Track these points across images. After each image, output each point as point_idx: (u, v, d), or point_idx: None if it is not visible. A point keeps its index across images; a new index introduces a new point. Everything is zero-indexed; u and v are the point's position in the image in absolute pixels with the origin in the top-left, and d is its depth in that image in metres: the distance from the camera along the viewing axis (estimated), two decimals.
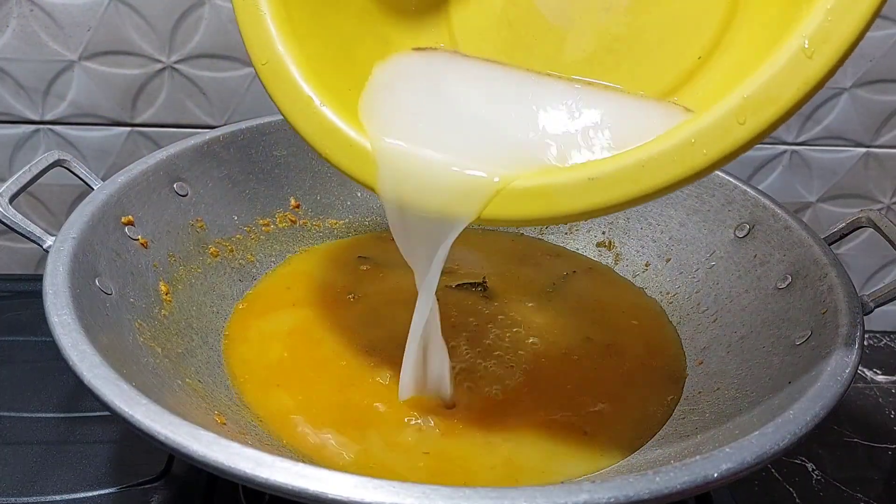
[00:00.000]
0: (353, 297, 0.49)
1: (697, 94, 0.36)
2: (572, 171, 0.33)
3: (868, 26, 0.28)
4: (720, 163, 0.30)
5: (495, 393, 0.42)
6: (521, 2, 0.40)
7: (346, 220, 0.56)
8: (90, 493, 0.43)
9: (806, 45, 0.28)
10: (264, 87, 0.38)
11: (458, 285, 0.47)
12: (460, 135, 0.37)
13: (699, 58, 0.37)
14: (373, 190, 0.36)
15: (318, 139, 0.37)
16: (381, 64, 0.41)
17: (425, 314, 0.38)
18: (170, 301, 0.44)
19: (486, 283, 0.48)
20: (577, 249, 0.56)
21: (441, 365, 0.39)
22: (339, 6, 0.40)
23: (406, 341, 0.39)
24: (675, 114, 0.36)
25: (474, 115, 0.38)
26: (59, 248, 0.38)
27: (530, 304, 0.49)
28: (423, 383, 0.40)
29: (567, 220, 0.33)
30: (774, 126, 0.29)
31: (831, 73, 0.28)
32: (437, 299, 0.38)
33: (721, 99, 0.30)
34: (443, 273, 0.38)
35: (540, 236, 0.57)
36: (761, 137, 0.30)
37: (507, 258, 0.54)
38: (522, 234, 0.57)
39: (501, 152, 0.35)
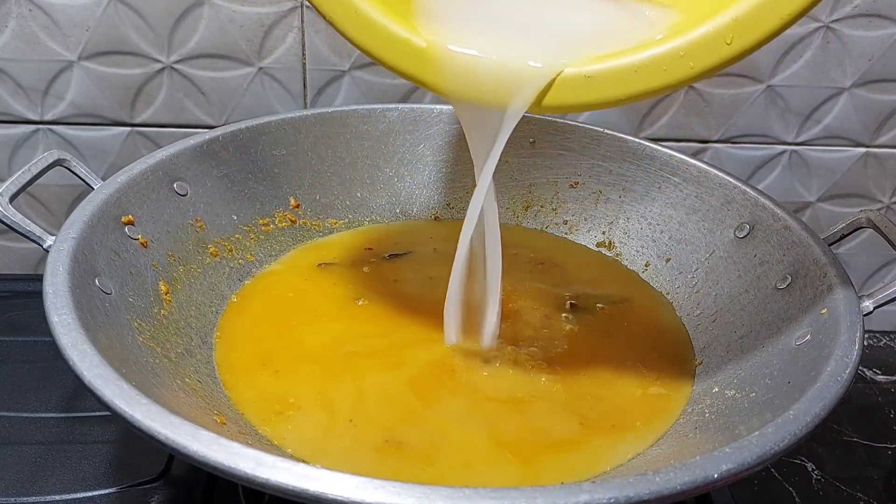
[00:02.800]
0: (353, 298, 0.49)
1: None
2: (584, 65, 0.36)
3: None
4: (701, 77, 0.34)
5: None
6: None
7: (346, 219, 0.56)
8: (90, 493, 0.43)
9: None
10: None
11: None
12: (509, 33, 0.39)
13: None
14: (425, 86, 0.38)
15: (358, 34, 0.38)
16: None
17: (476, 215, 0.40)
18: (169, 301, 0.44)
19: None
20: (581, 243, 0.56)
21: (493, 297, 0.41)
22: None
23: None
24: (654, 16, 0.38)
25: (513, 18, 0.40)
26: (59, 247, 0.38)
27: (543, 314, 0.49)
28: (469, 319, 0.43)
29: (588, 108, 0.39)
30: (754, 49, 0.32)
31: (812, 6, 0.31)
32: None
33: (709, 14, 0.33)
34: None
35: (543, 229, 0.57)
36: (741, 58, 0.33)
37: (521, 264, 0.54)
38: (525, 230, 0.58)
39: (546, 47, 0.38)
